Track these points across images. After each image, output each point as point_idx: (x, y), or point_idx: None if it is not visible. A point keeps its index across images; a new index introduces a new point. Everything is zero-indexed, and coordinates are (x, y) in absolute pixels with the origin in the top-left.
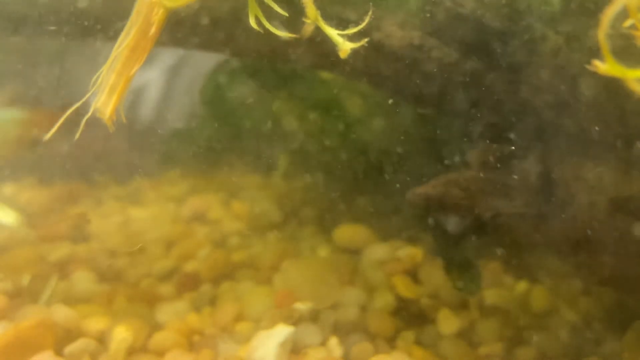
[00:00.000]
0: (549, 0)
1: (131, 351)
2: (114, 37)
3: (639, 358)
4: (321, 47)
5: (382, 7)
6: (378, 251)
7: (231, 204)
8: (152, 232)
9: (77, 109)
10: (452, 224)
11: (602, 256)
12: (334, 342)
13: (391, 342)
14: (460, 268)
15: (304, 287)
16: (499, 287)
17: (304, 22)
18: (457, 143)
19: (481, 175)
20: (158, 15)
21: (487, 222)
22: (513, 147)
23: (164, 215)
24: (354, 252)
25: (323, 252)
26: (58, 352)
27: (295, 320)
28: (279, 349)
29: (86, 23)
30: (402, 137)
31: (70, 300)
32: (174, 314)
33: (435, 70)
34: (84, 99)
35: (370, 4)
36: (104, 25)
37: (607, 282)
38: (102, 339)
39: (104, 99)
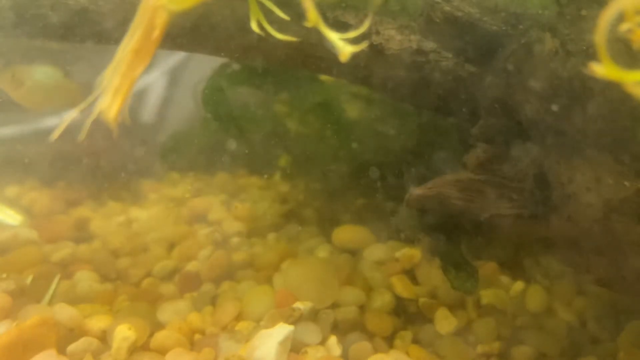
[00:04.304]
0: (545, 4)
1: (133, 350)
2: None
3: (634, 358)
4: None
5: (380, 11)
6: (376, 252)
7: (232, 205)
8: (154, 233)
9: None
10: (449, 224)
11: (598, 256)
12: (333, 341)
13: (389, 341)
14: (457, 268)
15: (304, 287)
16: (495, 287)
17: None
18: (454, 144)
19: (477, 176)
20: (161, 18)
21: (483, 222)
22: (509, 149)
23: (165, 216)
24: (353, 253)
25: (322, 252)
26: (60, 350)
27: (295, 319)
28: (279, 348)
29: None
30: (400, 139)
31: (73, 299)
32: (176, 313)
33: (433, 73)
34: (88, 102)
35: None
36: None
37: (603, 282)
38: (104, 338)
39: (108, 101)
